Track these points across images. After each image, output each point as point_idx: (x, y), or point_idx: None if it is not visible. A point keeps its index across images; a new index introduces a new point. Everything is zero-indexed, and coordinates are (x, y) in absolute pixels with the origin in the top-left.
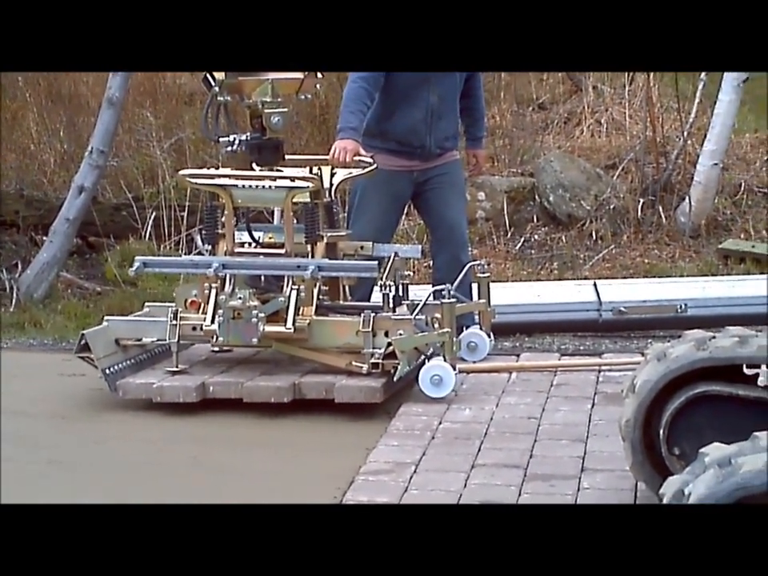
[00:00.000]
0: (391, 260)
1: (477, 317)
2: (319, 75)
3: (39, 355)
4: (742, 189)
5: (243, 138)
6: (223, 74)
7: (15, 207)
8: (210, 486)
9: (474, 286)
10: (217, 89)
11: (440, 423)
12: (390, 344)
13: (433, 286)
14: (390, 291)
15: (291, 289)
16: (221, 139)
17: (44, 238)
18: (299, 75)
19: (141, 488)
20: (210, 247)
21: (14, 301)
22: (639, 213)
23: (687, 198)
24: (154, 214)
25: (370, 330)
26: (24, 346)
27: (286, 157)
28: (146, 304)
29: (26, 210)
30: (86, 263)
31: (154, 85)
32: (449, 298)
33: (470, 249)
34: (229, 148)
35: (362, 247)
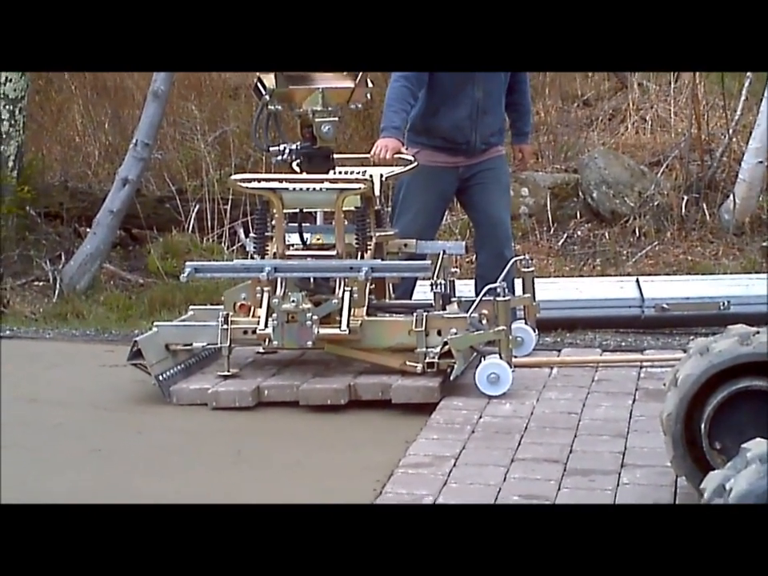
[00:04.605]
0: (441, 258)
1: (521, 312)
2: (370, 84)
3: (81, 345)
4: None
5: (293, 147)
6: (274, 82)
7: (59, 199)
8: (248, 477)
9: (518, 282)
10: (267, 98)
11: (480, 417)
12: (445, 343)
13: (476, 282)
14: (441, 289)
15: (344, 290)
16: (271, 148)
17: (87, 229)
18: (350, 84)
19: (180, 478)
20: (256, 250)
21: (57, 292)
22: (683, 210)
23: (731, 195)
24: (197, 206)
25: (423, 329)
26: (66, 336)
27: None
28: (191, 308)
29: (70, 201)
30: (129, 255)
31: (199, 78)
32: (504, 296)
33: (513, 244)
34: (279, 157)
35: (405, 245)
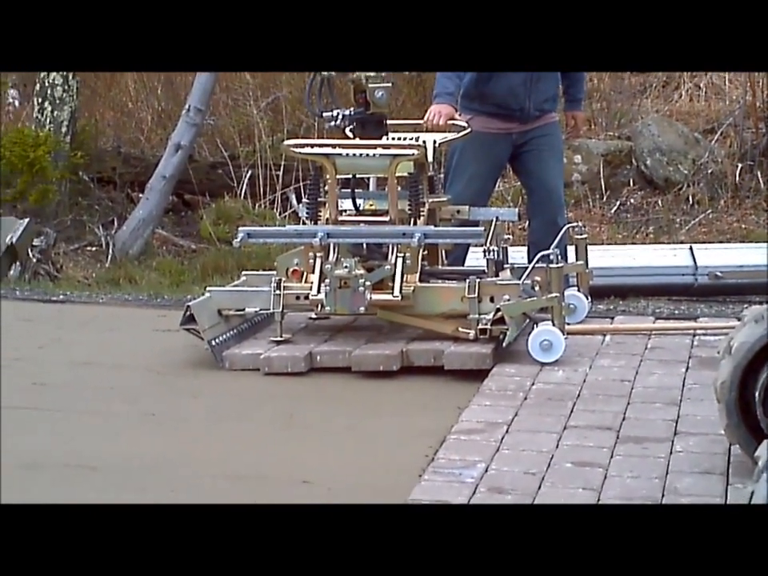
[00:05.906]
0: (494, 224)
1: (574, 279)
2: None
3: (134, 310)
4: None
5: (347, 112)
6: None
7: (112, 164)
8: (301, 442)
9: (571, 249)
10: None
11: (533, 384)
12: (498, 309)
13: (528, 248)
14: (493, 256)
15: (397, 256)
16: (324, 114)
17: (140, 195)
18: None
19: (233, 443)
20: (309, 215)
21: (109, 257)
22: (737, 178)
23: None
24: (249, 172)
25: (476, 295)
26: (119, 301)
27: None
28: (243, 273)
29: (122, 167)
30: (182, 221)
31: None
32: (557, 263)
33: (566, 211)
34: (332, 123)
35: (458, 211)
